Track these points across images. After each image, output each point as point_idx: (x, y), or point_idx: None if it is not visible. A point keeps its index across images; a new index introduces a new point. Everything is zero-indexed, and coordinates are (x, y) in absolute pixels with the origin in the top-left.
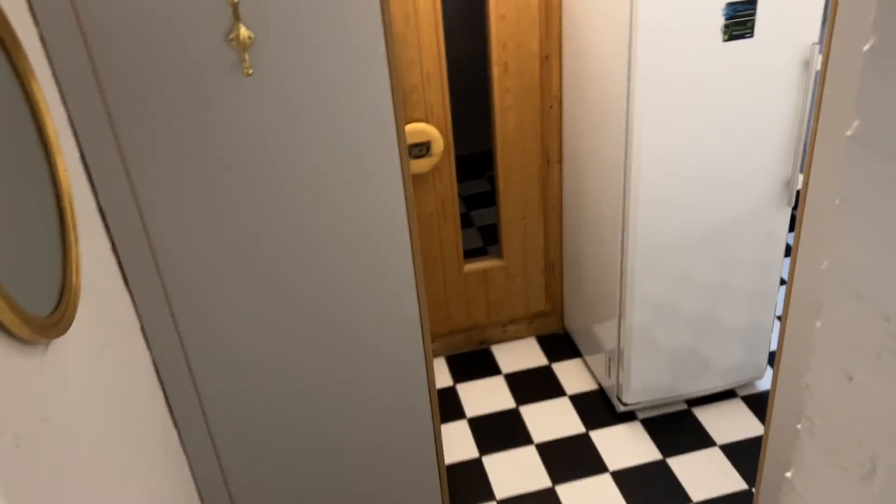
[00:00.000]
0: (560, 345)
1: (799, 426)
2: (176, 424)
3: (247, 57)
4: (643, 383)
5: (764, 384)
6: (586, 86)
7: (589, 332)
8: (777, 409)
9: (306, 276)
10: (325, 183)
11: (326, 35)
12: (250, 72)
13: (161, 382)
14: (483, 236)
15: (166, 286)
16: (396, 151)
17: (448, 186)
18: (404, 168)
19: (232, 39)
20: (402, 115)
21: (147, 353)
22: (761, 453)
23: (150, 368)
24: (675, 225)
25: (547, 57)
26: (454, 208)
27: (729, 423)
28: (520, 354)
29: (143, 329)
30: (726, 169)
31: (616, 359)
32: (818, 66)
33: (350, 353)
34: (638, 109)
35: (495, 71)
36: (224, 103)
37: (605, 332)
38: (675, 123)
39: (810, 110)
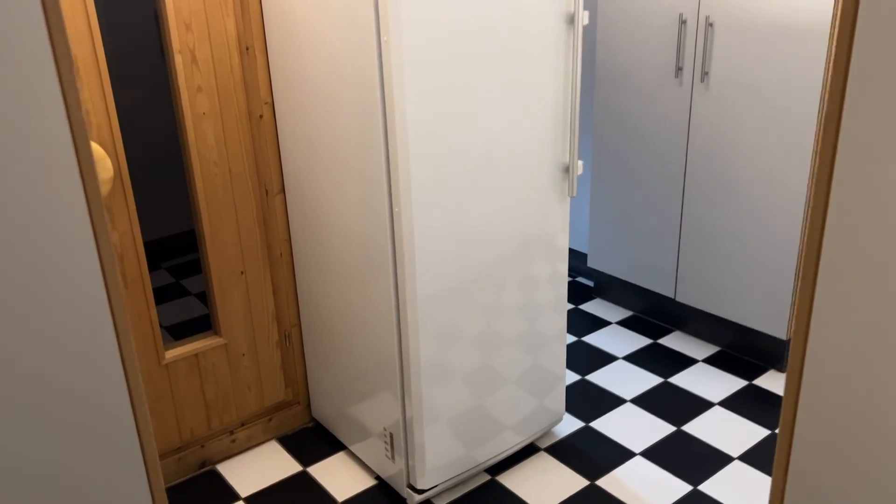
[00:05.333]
0: (313, 441)
1: None
2: None
3: None
4: (439, 460)
5: (563, 429)
6: (309, 84)
7: (351, 415)
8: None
9: None
10: None
11: None
12: None
13: None
14: (176, 336)
15: None
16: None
17: (127, 234)
18: (90, 195)
19: None
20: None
21: None
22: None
23: None
24: (459, 249)
25: (248, 48)
26: (140, 267)
27: (542, 483)
28: (261, 467)
29: None
30: (505, 160)
31: (402, 438)
32: (585, 21)
33: None
34: (398, 95)
35: (178, 61)
36: None
37: (380, 409)
38: (446, 109)
39: (581, 78)
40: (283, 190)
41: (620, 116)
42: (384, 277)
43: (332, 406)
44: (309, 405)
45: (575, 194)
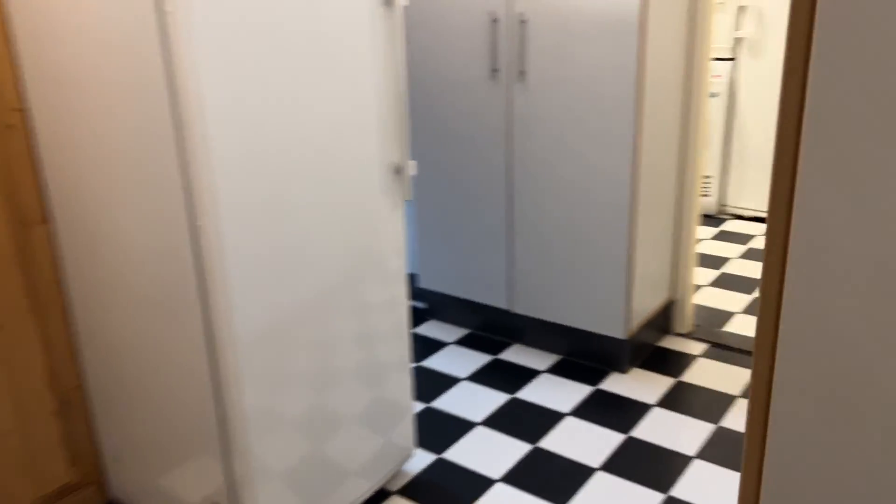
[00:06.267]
0: None
1: None
2: None
3: None
4: None
5: (415, 465)
6: (74, 81)
7: (161, 488)
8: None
9: None
10: None
11: None
12: None
13: None
14: None
15: None
16: None
17: None
18: None
19: None
20: None
21: None
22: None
23: None
24: (282, 268)
25: None
26: None
27: None
28: None
29: None
30: (327, 160)
31: None
32: (405, 2)
33: None
34: (191, 78)
35: None
36: None
37: (199, 474)
38: (250, 97)
39: (405, 65)
40: (46, 220)
41: (438, 123)
42: (190, 312)
43: (136, 480)
44: (104, 484)
45: (410, 198)
